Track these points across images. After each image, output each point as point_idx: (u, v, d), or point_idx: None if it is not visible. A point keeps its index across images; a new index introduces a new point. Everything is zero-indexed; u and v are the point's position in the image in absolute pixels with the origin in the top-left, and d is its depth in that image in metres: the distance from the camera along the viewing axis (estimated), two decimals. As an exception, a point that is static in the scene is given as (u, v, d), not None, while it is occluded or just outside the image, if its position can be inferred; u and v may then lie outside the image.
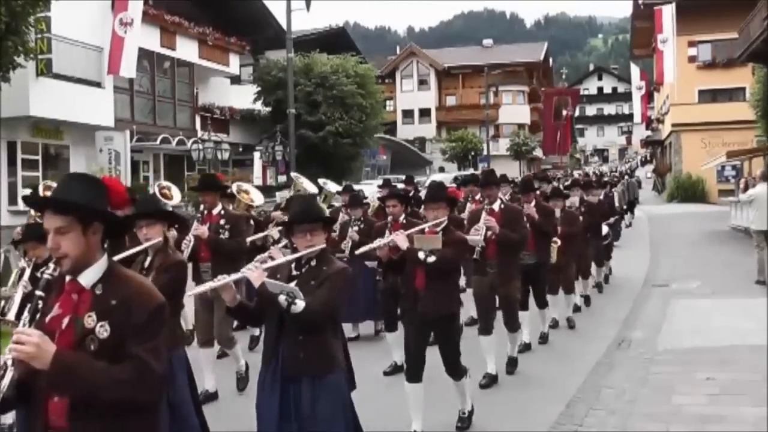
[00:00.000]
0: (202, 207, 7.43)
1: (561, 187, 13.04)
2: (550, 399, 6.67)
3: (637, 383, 7.01)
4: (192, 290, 4.24)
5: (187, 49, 27.65)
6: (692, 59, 37.66)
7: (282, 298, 3.76)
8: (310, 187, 10.79)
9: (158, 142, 25.04)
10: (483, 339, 7.12)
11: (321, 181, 11.53)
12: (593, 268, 12.15)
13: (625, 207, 23.59)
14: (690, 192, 36.21)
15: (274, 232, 9.14)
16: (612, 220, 14.21)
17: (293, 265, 4.14)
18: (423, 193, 9.22)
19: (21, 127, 19.93)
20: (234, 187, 9.39)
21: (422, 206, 6.68)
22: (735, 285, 12.47)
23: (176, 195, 8.37)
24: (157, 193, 8.15)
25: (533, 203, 8.63)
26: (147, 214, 4.87)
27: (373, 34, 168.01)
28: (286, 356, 3.90)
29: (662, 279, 13.71)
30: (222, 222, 7.15)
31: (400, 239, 5.46)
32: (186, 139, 25.82)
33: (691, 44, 37.20)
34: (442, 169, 49.04)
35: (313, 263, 4.05)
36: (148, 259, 4.82)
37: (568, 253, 9.69)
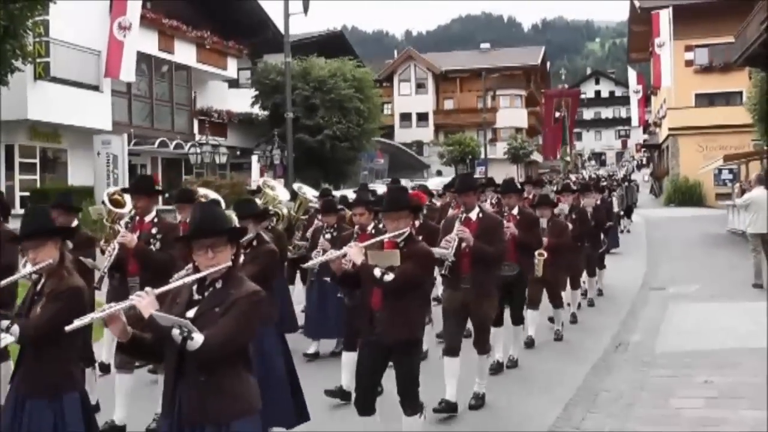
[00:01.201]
0: (133, 212, 6.67)
1: (554, 191, 12.64)
2: (547, 401, 6.67)
3: (635, 386, 7.01)
4: (71, 325, 3.27)
5: (185, 53, 27.66)
6: (689, 63, 37.78)
7: (176, 332, 3.11)
8: (283, 194, 10.07)
9: (156, 145, 25.04)
10: (447, 360, 6.29)
11: (296, 186, 10.87)
12: (585, 278, 11.54)
13: (622, 212, 23.30)
14: (687, 195, 36.33)
15: None
16: (607, 226, 13.19)
17: (195, 288, 3.44)
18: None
19: (19, 131, 19.94)
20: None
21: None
22: (733, 288, 12.48)
23: (128, 202, 7.29)
24: (107, 202, 7.15)
25: (516, 210, 7.94)
26: (32, 234, 3.96)
27: (370, 37, 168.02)
28: (184, 401, 3.28)
29: (660, 282, 13.72)
30: (154, 231, 6.32)
31: (354, 253, 4.86)
32: (184, 143, 25.82)
33: (688, 48, 37.29)
34: (439, 173, 49.03)
35: (218, 285, 3.38)
36: (41, 282, 4.04)
37: (556, 266, 8.87)
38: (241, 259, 4.33)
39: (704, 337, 8.99)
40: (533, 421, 6.19)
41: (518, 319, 7.99)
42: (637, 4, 38.78)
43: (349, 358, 6.65)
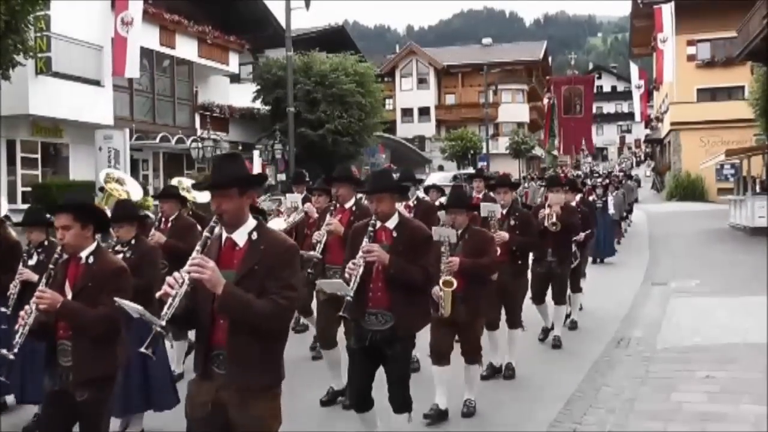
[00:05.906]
0: None
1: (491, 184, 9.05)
2: (549, 397, 6.68)
3: (637, 381, 7.01)
4: None
5: (186, 48, 27.63)
6: (691, 58, 37.75)
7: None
8: (134, 191, 8.34)
9: (157, 140, 25.04)
10: None
11: (175, 180, 9.40)
12: (551, 307, 8.70)
13: (619, 217, 20.41)
14: (689, 190, 36.35)
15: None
16: (582, 236, 9.50)
17: None
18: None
19: (20, 126, 19.93)
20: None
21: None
22: (734, 283, 12.47)
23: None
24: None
25: (394, 221, 4.83)
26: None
27: (372, 32, 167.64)
28: None
29: (661, 277, 13.71)
30: None
31: None
32: (185, 138, 25.81)
33: (691, 43, 37.26)
34: (441, 168, 48.99)
35: None
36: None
37: (473, 300, 5.81)
38: None
39: (705, 332, 8.98)
40: (535, 417, 6.19)
41: (401, 405, 4.86)
42: (639, -2, 38.73)
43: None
